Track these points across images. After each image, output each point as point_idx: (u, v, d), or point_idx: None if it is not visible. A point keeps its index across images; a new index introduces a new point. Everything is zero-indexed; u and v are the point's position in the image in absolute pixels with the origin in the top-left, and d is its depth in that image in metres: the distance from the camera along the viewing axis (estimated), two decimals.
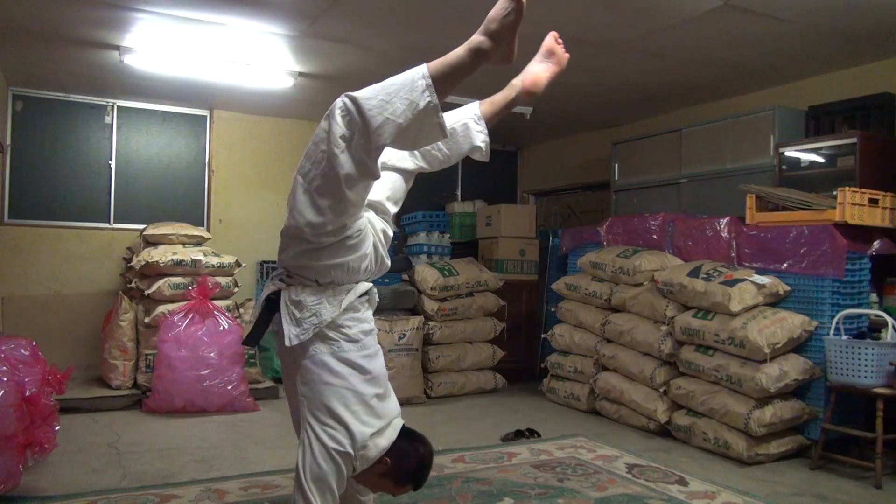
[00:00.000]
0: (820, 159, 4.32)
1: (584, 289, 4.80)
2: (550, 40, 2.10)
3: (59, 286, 5.71)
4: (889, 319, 3.47)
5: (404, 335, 4.91)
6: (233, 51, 4.55)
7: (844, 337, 3.53)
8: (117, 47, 4.48)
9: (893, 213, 3.81)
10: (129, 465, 3.37)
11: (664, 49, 4.29)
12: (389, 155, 2.03)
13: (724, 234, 4.20)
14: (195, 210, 6.23)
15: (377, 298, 2.13)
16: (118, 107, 5.94)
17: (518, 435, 4.03)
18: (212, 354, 4.44)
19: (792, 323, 3.63)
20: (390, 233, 2.08)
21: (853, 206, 3.65)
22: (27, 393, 2.83)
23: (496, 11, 1.77)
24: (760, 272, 3.90)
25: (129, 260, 5.33)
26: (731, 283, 3.79)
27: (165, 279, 4.72)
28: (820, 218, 3.74)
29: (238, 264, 5.07)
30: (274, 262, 6.37)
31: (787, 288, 3.82)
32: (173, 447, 3.70)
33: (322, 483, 1.84)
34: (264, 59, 4.71)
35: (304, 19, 3.93)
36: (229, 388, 4.48)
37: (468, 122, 2.12)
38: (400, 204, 2.15)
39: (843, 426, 3.52)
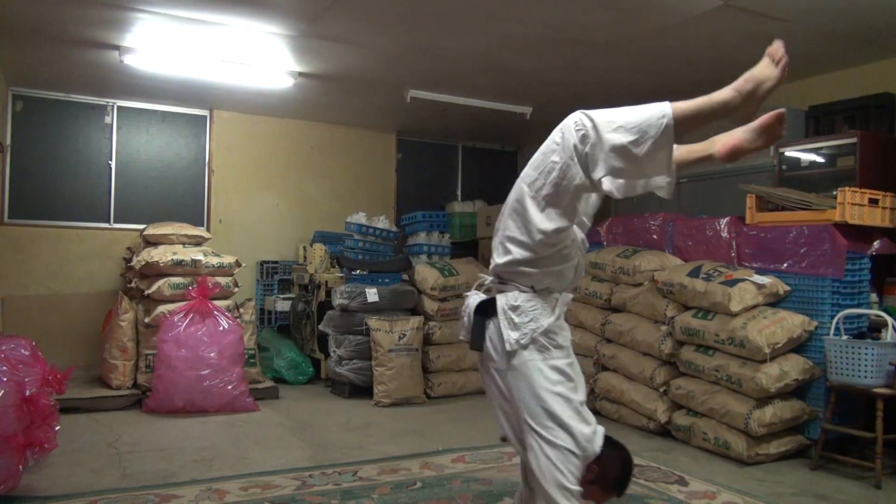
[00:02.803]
0: (820, 159, 4.32)
1: (584, 289, 4.80)
2: (772, 118, 2.05)
3: (59, 286, 5.71)
4: (889, 319, 3.47)
5: (404, 335, 4.91)
6: (233, 51, 4.55)
7: (844, 337, 3.53)
8: (117, 47, 4.48)
9: (893, 213, 3.81)
10: (129, 465, 3.37)
11: (664, 49, 4.29)
12: None
13: (724, 234, 4.20)
14: (195, 210, 6.23)
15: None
16: (118, 107, 5.94)
17: None
18: (212, 354, 4.44)
19: (792, 323, 3.63)
20: (587, 244, 2.16)
21: (853, 206, 3.65)
22: (27, 393, 2.83)
23: (756, 74, 1.88)
24: (760, 272, 3.90)
25: (129, 260, 5.33)
26: (731, 283, 3.79)
27: (165, 279, 4.72)
28: (820, 218, 3.74)
29: (238, 264, 5.07)
30: (274, 262, 6.39)
31: (787, 288, 3.81)
32: (173, 447, 3.70)
33: (562, 483, 1.88)
34: (264, 59, 4.71)
35: (304, 19, 3.93)
36: (229, 388, 4.47)
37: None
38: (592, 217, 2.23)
39: (843, 426, 3.52)
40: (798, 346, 3.69)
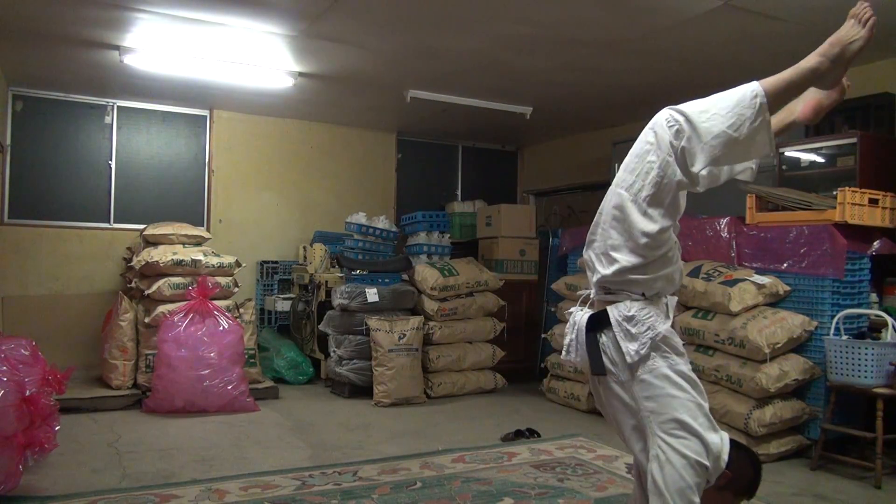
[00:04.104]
0: (820, 159, 4.31)
1: (585, 289, 4.79)
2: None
3: (59, 286, 5.71)
4: (889, 319, 3.47)
5: (404, 335, 4.91)
6: (233, 51, 4.55)
7: (844, 337, 3.53)
8: (117, 47, 4.48)
9: (893, 213, 3.81)
10: (129, 465, 3.37)
11: (664, 49, 4.29)
12: None
13: (724, 234, 4.20)
14: (195, 210, 6.23)
15: None
16: (118, 107, 5.94)
17: (518, 435, 4.03)
18: (212, 354, 4.44)
19: (792, 323, 3.63)
20: (680, 248, 2.09)
21: (853, 206, 3.65)
22: (27, 393, 2.83)
23: (842, 35, 1.87)
24: (760, 272, 3.90)
25: (129, 260, 5.34)
26: (731, 283, 3.79)
27: (165, 279, 4.72)
28: (820, 218, 3.74)
29: (238, 264, 5.07)
30: (273, 262, 6.39)
31: (787, 288, 3.81)
32: (173, 447, 3.70)
33: (685, 494, 1.81)
34: (264, 59, 4.71)
35: (304, 19, 3.93)
36: (229, 388, 4.47)
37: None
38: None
39: (843, 426, 3.52)
40: (798, 346, 3.69)
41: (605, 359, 1.95)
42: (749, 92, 1.79)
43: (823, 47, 1.86)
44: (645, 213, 1.82)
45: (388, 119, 6.65)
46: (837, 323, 3.55)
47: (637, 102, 5.59)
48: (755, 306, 3.75)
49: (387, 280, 5.35)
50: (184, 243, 5.02)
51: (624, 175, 1.87)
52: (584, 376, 4.76)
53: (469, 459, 3.56)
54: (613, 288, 1.95)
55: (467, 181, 7.61)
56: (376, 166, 7.07)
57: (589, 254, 1.99)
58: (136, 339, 4.78)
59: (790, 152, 4.40)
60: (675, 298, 2.04)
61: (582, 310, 2.04)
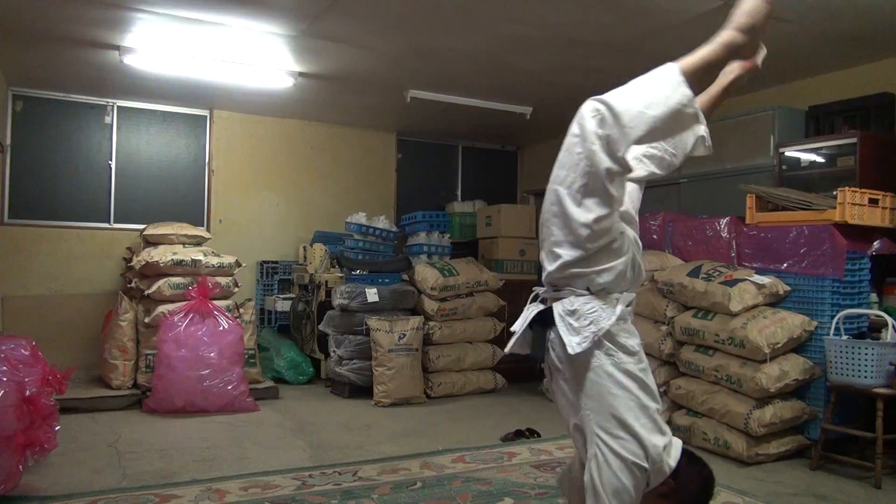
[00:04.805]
0: (820, 159, 4.32)
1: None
2: None
3: (59, 286, 5.71)
4: (889, 319, 3.47)
5: (404, 335, 4.91)
6: (233, 51, 4.55)
7: (844, 337, 3.52)
8: (117, 47, 4.48)
9: (893, 213, 3.81)
10: (129, 465, 3.37)
11: (664, 49, 4.27)
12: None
13: (724, 234, 4.20)
14: (195, 210, 6.23)
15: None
16: (118, 107, 5.94)
17: (518, 435, 4.03)
18: (212, 354, 4.44)
19: (792, 323, 3.63)
20: (640, 242, 2.09)
21: (853, 206, 3.65)
22: (27, 393, 2.83)
23: (748, 6, 1.86)
24: (760, 272, 3.90)
25: (129, 260, 5.34)
26: (731, 283, 3.79)
27: (165, 279, 4.72)
28: (820, 218, 3.74)
29: (238, 264, 5.07)
30: (274, 262, 6.39)
31: (787, 288, 3.81)
32: (173, 447, 3.70)
33: (622, 496, 1.79)
34: (264, 59, 4.71)
35: (304, 19, 3.93)
36: (229, 388, 4.47)
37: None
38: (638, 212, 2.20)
39: (843, 426, 3.52)
40: (798, 346, 3.69)
41: (552, 355, 1.96)
42: (666, 71, 1.83)
43: (734, 21, 1.86)
44: (580, 204, 1.82)
45: (388, 119, 6.65)
46: (837, 323, 3.55)
47: None
48: (755, 306, 3.75)
49: (387, 280, 5.34)
50: (184, 243, 5.02)
51: (557, 171, 1.87)
52: None
53: (469, 459, 3.56)
54: (559, 284, 1.95)
55: (467, 181, 7.61)
56: (376, 166, 7.07)
57: (541, 254, 1.98)
58: (136, 339, 4.78)
59: (790, 152, 4.40)
60: (632, 296, 2.00)
61: (533, 306, 2.04)
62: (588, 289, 1.91)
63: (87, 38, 4.33)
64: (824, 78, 4.72)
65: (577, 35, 4.09)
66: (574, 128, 1.83)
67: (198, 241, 5.14)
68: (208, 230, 6.02)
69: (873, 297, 3.76)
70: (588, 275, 1.89)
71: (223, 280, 4.92)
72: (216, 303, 4.72)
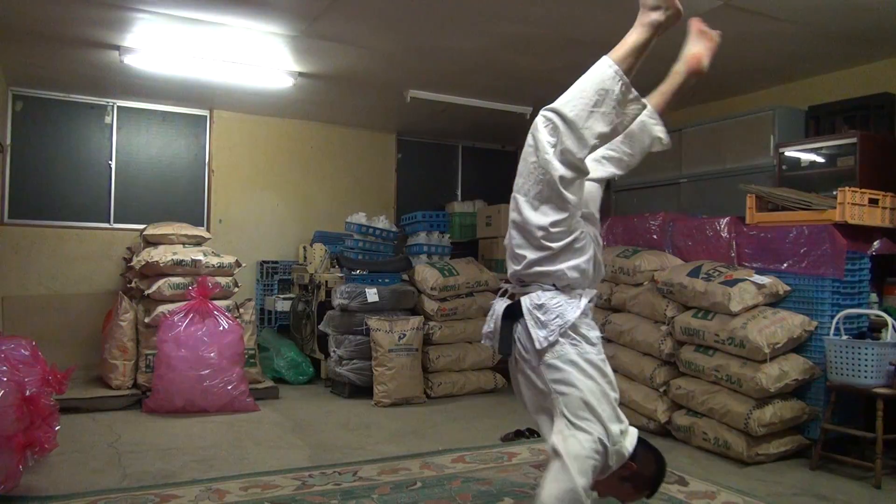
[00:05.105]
0: (820, 159, 4.32)
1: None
2: (697, 24, 2.29)
3: (59, 286, 5.71)
4: (889, 319, 3.47)
5: (404, 335, 4.91)
6: (233, 51, 4.55)
7: (844, 337, 3.53)
8: (117, 47, 4.48)
9: (893, 213, 3.81)
10: (129, 465, 3.37)
11: (664, 50, 4.27)
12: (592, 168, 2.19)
13: (724, 234, 4.20)
14: (195, 210, 6.23)
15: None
16: (118, 107, 5.94)
17: (518, 435, 4.03)
18: (212, 354, 4.44)
19: (792, 323, 3.63)
20: (601, 241, 2.22)
21: (853, 206, 3.65)
22: (27, 393, 2.83)
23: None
24: (760, 272, 3.90)
25: (129, 260, 5.33)
26: (731, 283, 3.79)
27: (165, 279, 4.72)
28: (820, 218, 3.74)
29: (238, 264, 5.07)
30: (274, 262, 6.39)
31: (787, 288, 3.81)
32: (173, 447, 3.70)
33: (583, 468, 1.90)
34: (264, 59, 4.71)
35: (304, 19, 3.93)
36: (229, 388, 4.47)
37: (643, 118, 2.21)
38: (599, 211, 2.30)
39: (843, 426, 3.52)
40: (798, 346, 3.69)
41: (518, 345, 2.07)
42: (601, 66, 1.91)
43: (644, 4, 1.97)
44: (537, 209, 1.94)
45: (388, 119, 6.65)
46: (837, 323, 3.55)
47: None
48: (755, 306, 3.75)
49: (387, 280, 5.34)
50: (184, 243, 5.02)
51: (517, 180, 2.00)
52: None
53: (469, 459, 3.56)
54: (527, 280, 2.06)
55: (467, 181, 7.61)
56: (376, 166, 7.07)
57: (507, 258, 2.11)
58: (136, 339, 4.78)
59: (790, 152, 4.40)
60: (594, 291, 2.12)
61: (502, 300, 2.16)
62: (554, 285, 2.02)
63: (87, 38, 4.33)
64: (824, 78, 4.72)
65: (577, 34, 4.09)
66: (529, 138, 1.94)
67: (198, 241, 5.14)
68: (208, 230, 6.03)
69: (873, 297, 3.76)
70: (554, 272, 2.00)
71: (223, 280, 4.92)
72: (216, 303, 4.72)
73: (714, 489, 3.14)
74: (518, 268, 2.04)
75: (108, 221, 5.93)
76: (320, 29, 4.08)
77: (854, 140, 3.99)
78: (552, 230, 1.94)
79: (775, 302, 3.83)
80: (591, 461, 1.90)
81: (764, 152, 4.59)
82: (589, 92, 1.88)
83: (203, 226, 6.17)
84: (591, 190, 2.22)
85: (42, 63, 4.90)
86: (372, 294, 5.09)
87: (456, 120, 6.44)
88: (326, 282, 5.57)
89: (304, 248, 6.20)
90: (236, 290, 5.07)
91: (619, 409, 2.02)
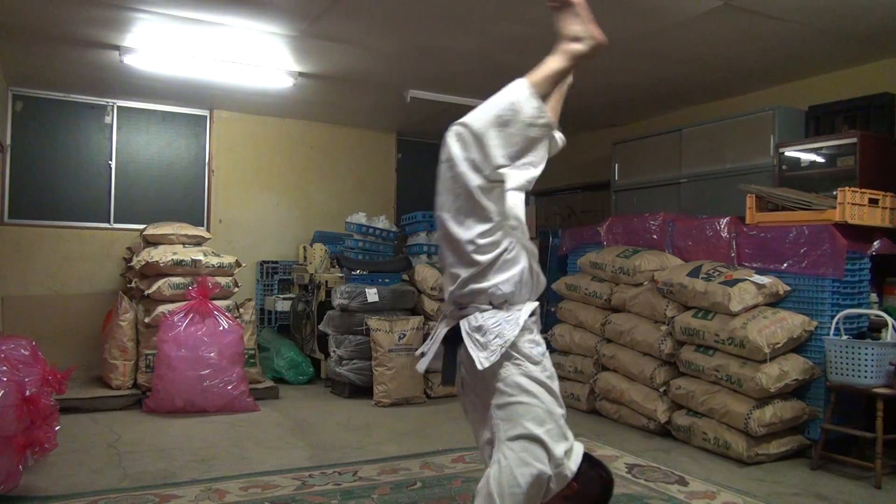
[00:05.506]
0: (820, 159, 4.32)
1: (584, 289, 4.80)
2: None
3: (59, 286, 5.71)
4: (889, 319, 3.47)
5: (404, 335, 4.91)
6: (233, 51, 4.55)
7: (844, 337, 3.53)
8: (117, 47, 4.48)
9: (893, 213, 3.81)
10: (129, 465, 3.37)
11: (664, 49, 4.29)
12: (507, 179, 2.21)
13: (724, 234, 4.20)
14: (195, 210, 6.23)
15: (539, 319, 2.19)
16: (118, 107, 5.94)
17: None
18: (212, 354, 4.44)
19: (792, 323, 3.63)
20: (535, 250, 2.17)
21: (853, 206, 3.65)
22: (27, 393, 2.83)
23: (569, 26, 2.06)
24: (760, 272, 3.90)
25: (129, 260, 5.33)
26: (731, 283, 3.79)
27: (165, 279, 4.72)
28: (820, 218, 3.74)
29: (238, 264, 5.07)
30: (274, 262, 6.39)
31: (787, 288, 3.81)
32: (173, 447, 3.70)
33: (515, 499, 1.86)
34: (264, 59, 4.71)
35: (304, 19, 3.93)
36: (229, 388, 4.47)
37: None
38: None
39: (843, 426, 3.52)
40: (798, 346, 3.69)
41: (462, 371, 2.05)
42: (516, 88, 1.94)
43: (567, 33, 2.05)
44: (462, 224, 1.92)
45: (388, 119, 6.64)
46: (837, 323, 3.55)
47: (637, 102, 5.59)
48: (755, 306, 3.75)
49: (387, 280, 5.34)
50: (184, 243, 5.02)
51: (438, 199, 1.98)
52: (584, 376, 4.76)
53: (469, 459, 3.56)
54: (464, 302, 2.02)
55: None
56: (376, 166, 7.07)
57: (443, 277, 2.09)
58: (136, 339, 4.78)
59: (790, 152, 4.40)
60: (535, 304, 2.07)
61: (443, 325, 2.11)
62: (491, 303, 1.99)
63: (87, 38, 4.33)
64: (824, 78, 4.72)
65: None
66: (442, 155, 1.94)
67: (198, 241, 5.14)
68: (208, 230, 6.02)
69: (873, 297, 3.77)
70: (487, 289, 1.97)
71: (223, 280, 4.92)
72: (216, 303, 4.72)
73: (714, 489, 3.14)
74: (453, 288, 2.01)
75: (108, 221, 5.93)
76: (320, 29, 4.08)
77: (854, 140, 3.99)
78: (480, 242, 1.92)
79: (775, 302, 3.83)
80: (525, 492, 1.85)
81: (764, 152, 4.59)
82: (500, 109, 1.91)
83: (203, 226, 6.17)
84: (517, 201, 2.20)
85: (42, 63, 4.90)
86: (372, 294, 5.09)
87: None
88: (326, 282, 5.57)
89: (304, 248, 6.20)
90: (236, 290, 5.07)
91: (565, 427, 1.97)
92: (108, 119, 5.92)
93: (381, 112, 6.29)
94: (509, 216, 2.02)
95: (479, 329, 1.96)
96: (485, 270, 1.95)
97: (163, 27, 4.10)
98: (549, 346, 5.52)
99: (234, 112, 6.31)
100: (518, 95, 1.92)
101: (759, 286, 3.76)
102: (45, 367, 3.05)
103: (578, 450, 2.01)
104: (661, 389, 4.11)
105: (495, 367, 1.93)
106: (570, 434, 2.00)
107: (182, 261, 4.78)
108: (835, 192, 3.71)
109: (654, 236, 4.69)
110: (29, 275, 5.61)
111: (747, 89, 5.16)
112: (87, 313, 5.63)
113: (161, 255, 4.78)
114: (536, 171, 2.04)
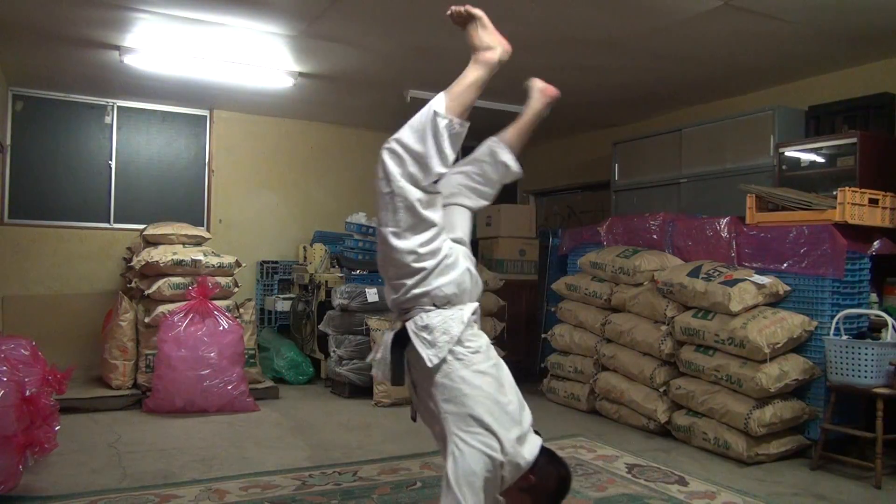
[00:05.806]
0: (820, 159, 4.32)
1: (584, 289, 4.80)
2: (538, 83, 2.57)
3: (59, 286, 5.71)
4: (889, 319, 3.47)
5: None
6: (233, 51, 4.55)
7: (844, 337, 3.52)
8: (117, 47, 4.48)
9: (893, 213, 3.81)
10: (129, 465, 3.37)
11: (664, 49, 4.29)
12: (457, 196, 2.35)
13: (724, 234, 4.20)
14: (195, 210, 6.23)
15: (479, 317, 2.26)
16: (118, 107, 5.94)
17: None
18: (212, 354, 4.44)
19: (792, 323, 3.62)
20: (473, 259, 2.27)
21: (853, 206, 3.65)
22: (27, 393, 2.83)
23: (478, 37, 2.29)
24: (760, 272, 3.90)
25: (129, 260, 5.33)
26: (731, 283, 3.79)
27: (165, 279, 4.72)
28: (820, 218, 3.74)
29: (238, 264, 5.06)
30: (274, 262, 6.40)
31: (787, 288, 3.81)
32: (173, 447, 3.70)
33: (473, 486, 1.90)
34: (264, 59, 4.71)
35: (304, 19, 3.93)
36: (229, 388, 4.47)
37: (493, 149, 2.41)
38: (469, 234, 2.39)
39: (843, 426, 3.52)
40: (798, 346, 3.69)
41: (412, 371, 2.11)
42: (438, 100, 2.03)
43: (478, 45, 2.24)
44: (400, 236, 2.01)
45: (388, 119, 6.63)
46: (837, 323, 3.55)
47: (637, 102, 5.59)
48: (755, 306, 3.75)
49: None
50: (184, 243, 5.02)
51: (378, 214, 2.06)
52: (584, 376, 4.76)
53: None
54: (408, 305, 2.11)
55: None
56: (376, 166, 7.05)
57: (386, 287, 2.18)
58: (136, 339, 4.78)
59: (790, 152, 4.40)
60: (476, 305, 2.17)
61: (389, 331, 2.18)
62: (434, 304, 2.07)
63: (87, 38, 4.33)
64: (824, 78, 4.72)
65: (577, 34, 4.09)
66: (378, 171, 2.03)
67: (198, 241, 5.14)
68: (208, 230, 6.03)
69: (873, 297, 3.76)
70: (430, 291, 2.06)
71: (223, 280, 4.92)
72: (216, 303, 4.72)
73: (714, 489, 3.14)
74: (396, 295, 2.09)
75: (109, 221, 5.93)
76: (320, 29, 4.08)
77: (854, 140, 3.99)
78: (421, 251, 2.00)
79: (775, 302, 3.83)
80: (481, 477, 1.90)
81: (764, 152, 4.59)
82: (425, 123, 1.99)
83: (203, 226, 6.17)
84: (464, 218, 2.32)
85: (42, 63, 4.90)
86: (372, 294, 5.09)
87: None
88: (326, 282, 5.57)
89: (304, 248, 6.20)
90: (236, 290, 5.07)
91: (516, 414, 2.02)
92: (108, 119, 5.92)
93: (381, 112, 6.29)
94: (452, 231, 2.15)
95: (425, 328, 2.04)
96: (427, 275, 2.04)
97: (163, 27, 4.10)
98: (549, 347, 5.53)
99: (234, 112, 6.32)
100: (438, 107, 2.00)
101: (759, 286, 3.76)
102: (45, 367, 3.06)
103: (535, 441, 2.06)
104: (661, 389, 4.11)
105: (442, 364, 2.01)
106: (525, 421, 2.05)
107: (182, 261, 4.78)
108: (835, 192, 3.71)
109: (654, 236, 4.69)
110: (29, 275, 5.61)
111: (747, 89, 5.16)
112: (87, 313, 5.64)
113: (161, 255, 4.78)
114: (485, 196, 2.33)
